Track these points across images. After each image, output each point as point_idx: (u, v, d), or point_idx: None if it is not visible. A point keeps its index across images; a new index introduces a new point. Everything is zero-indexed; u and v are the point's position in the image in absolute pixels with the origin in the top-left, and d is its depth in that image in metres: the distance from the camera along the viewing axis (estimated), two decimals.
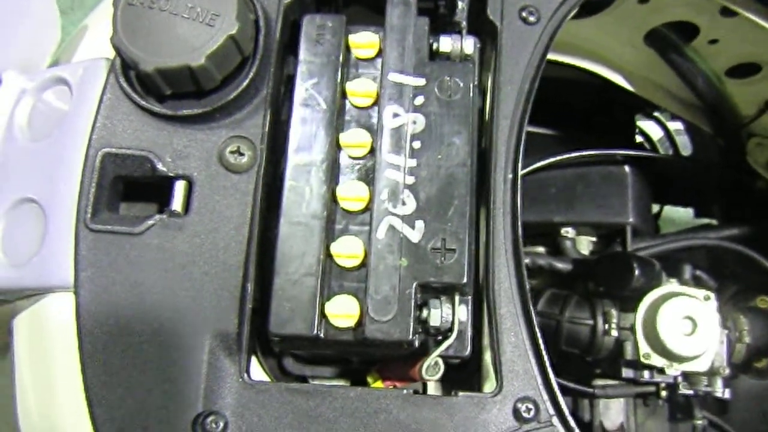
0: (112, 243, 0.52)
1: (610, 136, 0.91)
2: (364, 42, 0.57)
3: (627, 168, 0.87)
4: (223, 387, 0.50)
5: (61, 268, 0.52)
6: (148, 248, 0.52)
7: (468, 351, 0.54)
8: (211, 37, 0.52)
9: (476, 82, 0.57)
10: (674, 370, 0.73)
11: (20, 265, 0.54)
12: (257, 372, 0.57)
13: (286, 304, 0.49)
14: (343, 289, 0.51)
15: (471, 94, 0.55)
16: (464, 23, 0.60)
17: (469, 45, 0.58)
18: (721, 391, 0.75)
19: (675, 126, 1.10)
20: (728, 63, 0.79)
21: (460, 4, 0.60)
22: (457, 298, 0.52)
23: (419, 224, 0.51)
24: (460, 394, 0.50)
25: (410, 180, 0.52)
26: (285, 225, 0.51)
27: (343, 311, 0.50)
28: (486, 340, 0.54)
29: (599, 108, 0.94)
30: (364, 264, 0.51)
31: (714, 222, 0.99)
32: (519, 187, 0.55)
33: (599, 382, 0.79)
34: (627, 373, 0.75)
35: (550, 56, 0.61)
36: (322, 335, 0.49)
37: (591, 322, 0.75)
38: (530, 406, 0.50)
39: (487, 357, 0.54)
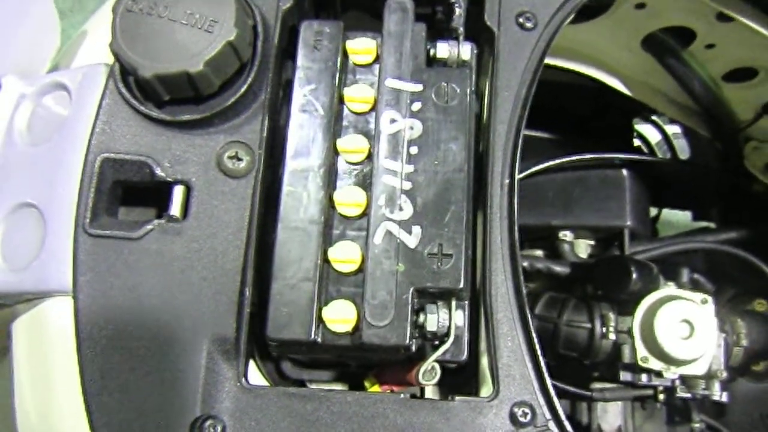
0: (110, 248, 0.53)
1: (608, 140, 0.91)
2: (361, 48, 0.57)
3: (625, 171, 0.87)
4: (221, 391, 0.50)
5: (59, 273, 0.52)
6: (147, 253, 0.53)
7: (465, 356, 0.54)
8: (209, 43, 0.52)
9: (473, 88, 0.57)
10: (672, 373, 0.73)
11: (19, 270, 0.54)
12: (255, 376, 0.57)
13: (283, 309, 0.50)
14: (341, 294, 0.51)
15: (468, 100, 0.55)
16: (461, 29, 0.60)
17: (466, 51, 0.58)
18: (718, 394, 0.75)
19: (673, 130, 1.11)
20: (725, 67, 0.79)
21: (457, 10, 0.60)
22: (453, 303, 0.52)
23: (416, 229, 0.52)
24: (457, 398, 0.50)
25: (407, 185, 0.53)
26: (283, 230, 0.52)
27: (340, 316, 0.50)
28: (483, 345, 0.54)
29: (597, 112, 0.94)
30: (361, 269, 0.51)
31: (712, 225, 1.00)
32: (516, 192, 0.56)
33: (597, 385, 0.79)
34: (625, 376, 0.75)
35: (548, 60, 0.61)
36: (319, 340, 0.50)
37: (589, 325, 0.75)
38: (527, 410, 0.50)
39: (484, 361, 0.54)
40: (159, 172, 0.54)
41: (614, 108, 0.94)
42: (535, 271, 0.84)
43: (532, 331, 0.52)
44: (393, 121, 0.55)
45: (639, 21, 0.75)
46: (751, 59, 0.76)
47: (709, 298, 0.74)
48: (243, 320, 0.51)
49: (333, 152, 0.54)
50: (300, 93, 0.55)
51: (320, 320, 0.50)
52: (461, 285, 0.50)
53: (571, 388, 0.78)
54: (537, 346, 0.51)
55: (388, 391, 0.59)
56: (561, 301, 0.78)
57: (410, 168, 0.53)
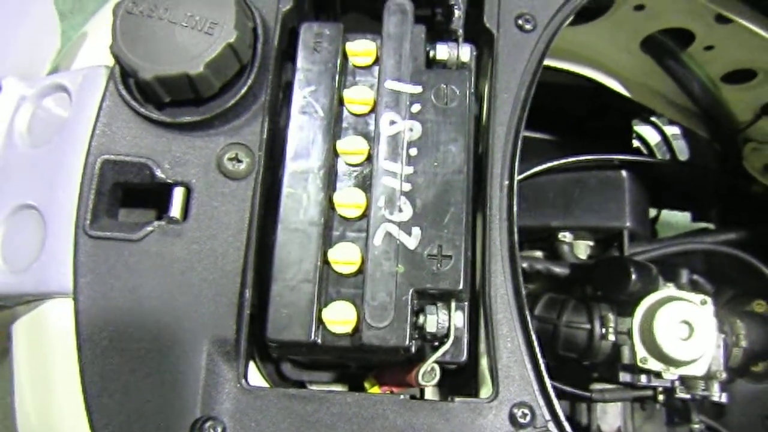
0: (111, 249, 0.53)
1: (607, 141, 0.92)
2: (361, 50, 0.57)
3: (624, 173, 0.87)
4: (221, 392, 0.50)
5: (60, 274, 0.53)
6: (147, 254, 0.53)
7: (464, 357, 0.54)
8: (209, 45, 0.52)
9: (472, 90, 0.57)
10: (671, 374, 0.73)
11: (20, 271, 0.54)
12: (255, 377, 0.57)
13: (283, 310, 0.50)
14: (341, 296, 0.51)
15: (467, 102, 0.56)
16: (461, 31, 0.60)
17: (465, 53, 0.58)
18: (718, 395, 0.75)
19: (672, 131, 1.11)
20: (724, 69, 0.79)
21: (456, 12, 0.60)
22: (453, 304, 0.52)
23: (416, 231, 0.52)
24: (457, 399, 0.50)
25: (407, 187, 0.53)
26: (282, 231, 0.52)
27: (340, 317, 0.50)
28: (482, 346, 0.54)
29: (596, 113, 0.94)
30: (361, 270, 0.51)
31: (711, 226, 1.00)
32: (515, 193, 0.56)
33: (596, 386, 0.79)
34: (624, 377, 0.75)
35: (547, 62, 0.62)
36: (319, 341, 0.50)
37: (588, 326, 0.75)
38: (526, 411, 0.50)
39: (484, 363, 0.54)
40: (159, 173, 0.54)
41: (613, 109, 0.94)
42: (534, 272, 0.84)
43: (532, 332, 0.52)
44: (392, 122, 0.55)
45: (638, 22, 0.76)
46: (749, 61, 0.77)
47: (709, 299, 0.74)
48: (243, 321, 0.51)
49: (333, 154, 0.54)
50: (300, 95, 0.55)
51: (320, 321, 0.50)
52: (461, 286, 0.50)
53: (571, 389, 0.78)
54: (536, 347, 0.52)
55: (388, 392, 0.59)
56: (560, 302, 0.79)
57: (410, 169, 0.53)
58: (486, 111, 0.60)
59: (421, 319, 0.51)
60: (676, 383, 0.74)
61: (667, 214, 1.12)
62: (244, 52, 0.55)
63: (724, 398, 0.76)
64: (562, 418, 0.50)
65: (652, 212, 1.01)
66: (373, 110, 0.56)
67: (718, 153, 0.97)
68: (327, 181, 0.53)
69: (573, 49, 0.81)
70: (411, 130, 0.54)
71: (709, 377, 0.75)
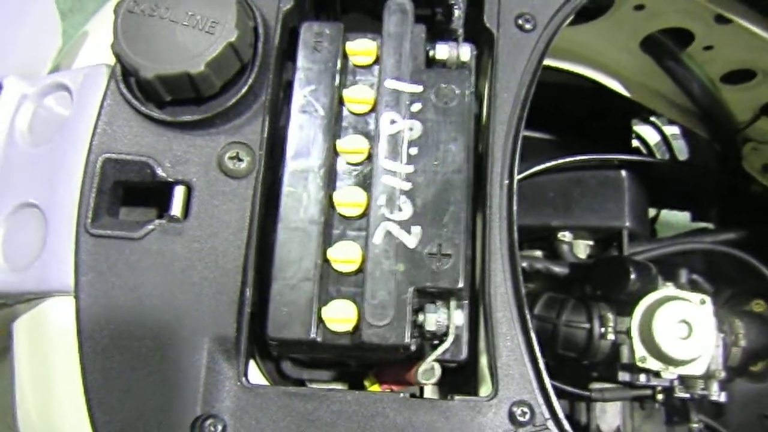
0: (112, 247, 0.53)
1: (607, 141, 0.92)
2: (361, 49, 0.57)
3: (623, 172, 0.88)
4: (221, 390, 0.50)
5: (61, 273, 0.53)
6: (148, 253, 0.53)
7: (464, 355, 0.55)
8: (210, 44, 0.52)
9: (472, 89, 0.57)
10: (670, 373, 0.73)
11: (21, 270, 0.54)
12: (255, 376, 0.57)
13: (283, 309, 0.50)
14: (341, 294, 0.52)
15: (467, 101, 0.56)
16: (461, 30, 0.60)
17: (465, 52, 0.59)
18: (717, 394, 0.76)
19: (671, 130, 1.11)
20: (723, 69, 0.79)
21: (456, 12, 0.60)
22: (453, 302, 0.52)
23: (416, 230, 0.52)
24: (456, 397, 0.51)
25: (407, 186, 0.53)
26: (283, 230, 0.52)
27: (340, 316, 0.50)
28: (482, 345, 0.55)
29: (596, 113, 0.94)
30: (361, 269, 0.51)
31: (710, 226, 1.00)
32: (515, 192, 0.56)
33: (596, 385, 0.79)
34: (623, 376, 0.76)
35: (547, 62, 0.62)
36: (319, 339, 0.50)
37: (587, 325, 0.75)
38: (525, 409, 0.50)
39: (483, 361, 0.54)
40: (160, 172, 0.55)
41: (613, 109, 0.94)
42: (534, 272, 0.84)
43: (531, 330, 0.52)
44: (393, 121, 0.55)
45: (638, 22, 0.76)
46: (749, 61, 0.77)
47: (708, 299, 0.75)
48: (243, 320, 0.51)
49: (333, 153, 0.55)
50: (300, 94, 0.56)
51: (320, 320, 0.50)
52: (460, 285, 0.51)
53: (570, 388, 0.78)
54: (536, 346, 0.52)
55: (388, 390, 0.59)
56: (560, 302, 0.79)
57: (410, 168, 0.54)
58: (486, 110, 0.60)
59: (421, 317, 0.51)
60: (675, 382, 0.75)
61: (666, 214, 1.12)
62: (245, 51, 0.55)
63: (723, 397, 0.76)
64: (561, 416, 0.51)
65: (652, 212, 1.01)
66: (373, 109, 0.56)
67: (718, 153, 0.97)
68: (327, 180, 0.53)
69: (573, 49, 0.81)
70: (411, 129, 0.55)
71: (708, 376, 0.75)
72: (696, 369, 0.73)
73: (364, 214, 0.53)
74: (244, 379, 0.51)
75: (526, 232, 0.88)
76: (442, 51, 0.59)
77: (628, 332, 0.74)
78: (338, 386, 0.63)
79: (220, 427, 0.49)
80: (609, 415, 0.82)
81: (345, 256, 0.52)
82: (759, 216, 0.89)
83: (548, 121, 0.89)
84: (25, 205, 0.56)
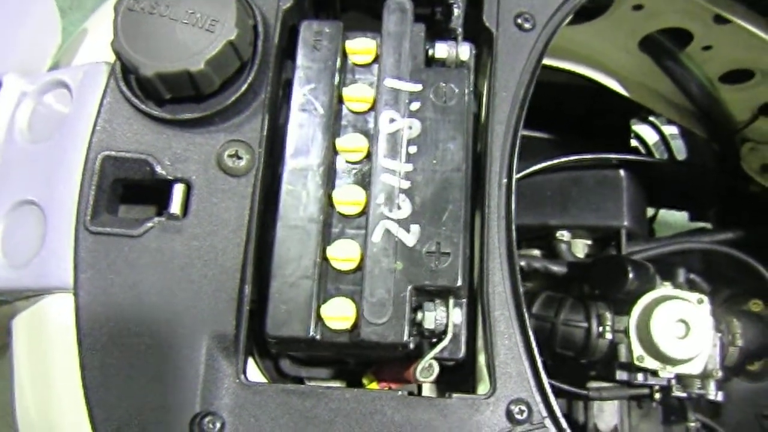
0: (111, 245, 0.53)
1: (606, 140, 0.92)
2: (360, 48, 0.58)
3: (622, 172, 0.88)
4: (220, 388, 0.50)
5: (60, 270, 0.53)
6: (147, 250, 0.53)
7: (462, 353, 0.55)
8: (210, 42, 0.52)
9: (471, 88, 0.57)
10: (668, 372, 0.73)
11: (20, 266, 0.54)
12: (254, 374, 0.57)
13: (282, 307, 0.50)
14: (339, 292, 0.52)
15: (466, 100, 0.56)
16: (460, 30, 0.61)
17: (464, 51, 0.59)
18: (714, 393, 0.76)
19: (670, 130, 1.11)
20: (722, 69, 0.80)
21: (456, 11, 0.60)
22: (451, 301, 0.53)
23: (414, 228, 0.52)
24: (454, 395, 0.51)
25: (406, 184, 0.53)
26: (282, 228, 0.52)
27: (339, 314, 0.50)
28: (480, 343, 0.55)
29: (595, 112, 0.95)
30: (359, 267, 0.52)
31: (708, 226, 1.00)
32: (513, 191, 0.56)
33: (593, 384, 0.80)
34: (621, 375, 0.76)
35: (546, 61, 0.62)
36: (318, 337, 0.50)
37: (585, 324, 0.76)
38: (523, 407, 0.50)
39: (481, 359, 0.55)
40: (159, 170, 0.55)
41: (612, 109, 0.94)
42: (532, 271, 0.84)
43: (529, 329, 0.52)
44: (392, 120, 0.55)
45: (636, 22, 0.76)
46: (747, 61, 0.77)
47: (705, 298, 0.75)
48: (242, 317, 0.51)
49: (332, 151, 0.55)
50: (300, 92, 0.56)
51: (319, 318, 0.50)
52: (459, 283, 0.51)
53: (568, 387, 0.78)
54: (534, 345, 0.52)
55: (386, 388, 0.59)
56: (558, 301, 0.79)
57: (409, 167, 0.54)
58: (485, 109, 0.60)
59: (420, 315, 0.52)
60: (673, 382, 0.75)
61: (664, 214, 1.13)
62: (245, 49, 0.55)
63: (720, 397, 0.76)
64: (559, 414, 0.51)
65: (650, 211, 1.01)
66: (372, 108, 0.56)
67: (716, 153, 0.97)
68: (326, 178, 0.53)
69: (572, 48, 0.81)
70: (410, 127, 0.55)
71: (705, 376, 0.75)
72: (693, 368, 0.73)
73: (363, 213, 0.53)
74: (242, 376, 0.51)
75: (524, 231, 0.88)
76: (442, 50, 0.59)
77: (625, 331, 0.74)
78: (337, 384, 0.63)
79: (218, 425, 0.49)
80: (606, 413, 0.82)
81: (344, 254, 0.52)
82: (757, 216, 0.89)
83: (547, 120, 0.89)
84: (25, 202, 0.56)
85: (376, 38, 0.58)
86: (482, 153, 0.58)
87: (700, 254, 0.88)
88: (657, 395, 0.76)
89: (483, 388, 0.54)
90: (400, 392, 0.51)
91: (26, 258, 0.54)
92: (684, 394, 0.75)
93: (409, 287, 0.50)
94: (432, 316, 0.51)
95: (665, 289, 0.76)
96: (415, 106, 0.56)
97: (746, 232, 0.87)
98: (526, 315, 0.53)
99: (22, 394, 0.55)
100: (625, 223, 0.86)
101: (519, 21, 0.61)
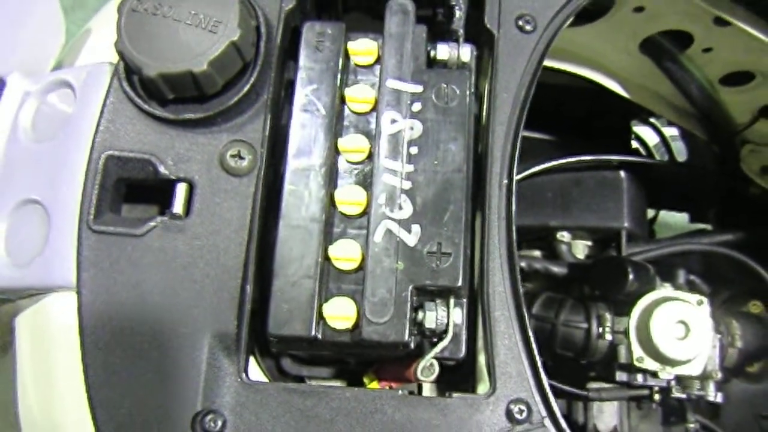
0: (114, 244, 0.53)
1: (606, 142, 0.92)
2: (363, 49, 0.58)
3: (622, 173, 0.88)
4: (222, 386, 0.51)
5: (63, 268, 0.53)
6: (150, 249, 0.53)
7: (462, 353, 0.55)
8: (213, 43, 0.53)
9: (473, 90, 0.58)
10: (667, 373, 0.74)
11: (23, 265, 0.54)
12: (255, 372, 0.58)
13: (284, 306, 0.50)
14: (341, 292, 0.52)
15: (467, 101, 0.56)
16: (461, 31, 0.61)
17: (465, 53, 0.59)
18: (713, 394, 0.76)
19: (671, 132, 1.11)
20: (722, 71, 0.80)
21: (457, 13, 0.61)
22: (452, 300, 0.53)
23: (416, 228, 0.52)
24: (454, 395, 0.51)
25: (407, 185, 0.53)
26: (284, 228, 0.52)
27: (340, 313, 0.50)
28: (480, 343, 0.55)
29: (595, 114, 0.95)
30: (361, 267, 0.52)
31: (708, 227, 1.00)
32: (514, 192, 0.56)
33: (593, 385, 0.80)
34: (621, 376, 0.76)
35: (547, 63, 0.62)
36: (319, 336, 0.50)
37: (585, 325, 0.76)
38: (522, 407, 0.51)
39: (481, 359, 0.55)
40: (162, 169, 0.55)
41: (612, 110, 0.94)
42: (533, 272, 0.85)
43: (529, 329, 0.53)
44: (393, 121, 0.55)
45: (637, 24, 0.76)
46: (747, 63, 0.77)
47: (705, 300, 0.75)
48: (244, 316, 0.52)
49: (334, 152, 0.55)
50: (302, 93, 0.56)
51: (320, 317, 0.51)
52: (459, 283, 0.51)
53: (568, 388, 0.79)
54: (533, 345, 0.52)
55: (387, 387, 0.59)
56: (558, 302, 0.79)
57: (410, 168, 0.54)
58: (486, 111, 0.61)
59: (420, 315, 0.52)
60: (672, 383, 0.75)
61: (665, 215, 1.13)
62: (247, 50, 0.55)
63: (719, 398, 0.76)
64: (558, 414, 0.51)
65: (650, 213, 1.01)
66: (374, 109, 0.57)
67: (716, 154, 0.97)
68: (328, 178, 0.54)
69: (573, 50, 0.81)
70: (411, 128, 0.55)
71: (704, 377, 0.75)
72: (693, 369, 0.73)
73: (365, 213, 0.54)
74: (244, 375, 0.51)
75: (525, 231, 0.88)
76: (443, 51, 0.59)
77: (625, 332, 0.74)
78: (337, 383, 0.63)
79: (220, 423, 0.49)
80: (606, 414, 0.82)
81: (345, 254, 0.52)
82: (757, 218, 0.89)
83: (548, 121, 0.90)
84: (28, 201, 0.56)
85: (378, 39, 0.58)
86: (483, 154, 0.58)
87: (700, 256, 0.88)
88: (656, 396, 0.76)
89: (483, 387, 0.54)
90: (400, 391, 0.51)
91: (30, 257, 0.54)
92: (683, 395, 0.76)
93: (410, 287, 0.51)
94: (433, 316, 0.52)
95: (665, 290, 0.77)
96: (417, 107, 0.56)
97: (746, 233, 0.87)
98: (526, 315, 0.53)
99: (24, 393, 0.55)
100: (626, 225, 0.86)
101: (520, 23, 0.61)
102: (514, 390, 0.51)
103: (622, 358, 0.74)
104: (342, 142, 0.55)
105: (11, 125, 0.60)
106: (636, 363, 0.73)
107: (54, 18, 0.69)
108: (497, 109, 0.58)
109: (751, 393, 0.85)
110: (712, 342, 0.75)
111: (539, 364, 0.52)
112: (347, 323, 0.51)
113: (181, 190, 0.55)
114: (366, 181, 0.55)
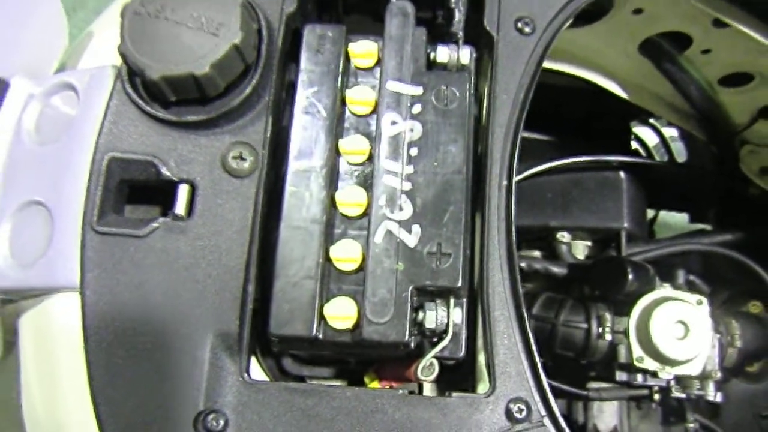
0: (117, 245, 0.54)
1: (606, 143, 0.92)
2: (363, 51, 0.58)
3: (622, 174, 0.88)
4: (224, 386, 0.51)
5: (67, 269, 0.53)
6: (152, 250, 0.54)
7: (462, 352, 0.55)
8: (215, 45, 0.53)
9: (472, 91, 0.58)
10: (667, 373, 0.74)
11: (27, 266, 0.55)
12: (257, 372, 0.58)
13: (285, 306, 0.51)
14: (342, 292, 0.52)
15: (467, 103, 0.57)
16: (461, 33, 0.61)
17: (465, 55, 0.59)
18: (712, 394, 0.76)
19: (670, 132, 1.12)
20: (721, 72, 0.80)
21: (457, 15, 0.61)
22: (452, 301, 0.53)
23: (416, 229, 0.53)
24: (454, 394, 0.51)
25: (407, 186, 0.54)
26: (285, 229, 0.53)
27: (341, 313, 0.51)
28: (480, 343, 0.55)
29: (595, 115, 0.95)
30: (362, 267, 0.52)
31: (708, 227, 1.01)
32: (514, 193, 0.57)
33: (593, 385, 0.80)
34: (620, 376, 0.76)
35: (546, 64, 0.62)
36: (320, 336, 0.51)
37: (585, 325, 0.76)
38: (522, 406, 0.51)
39: (481, 359, 0.55)
40: (165, 171, 0.55)
41: (612, 111, 0.95)
42: (532, 272, 0.85)
43: (529, 329, 0.53)
44: (393, 123, 0.56)
45: (636, 26, 0.76)
46: (746, 64, 0.77)
47: (704, 300, 0.75)
48: (246, 316, 0.52)
49: (335, 153, 0.55)
50: (303, 95, 0.57)
51: (321, 317, 0.51)
52: (459, 283, 0.51)
53: (568, 388, 0.79)
54: (533, 344, 0.52)
55: (387, 387, 0.60)
56: (558, 302, 0.79)
57: (410, 169, 0.54)
58: (485, 112, 0.61)
59: (421, 315, 0.52)
60: (672, 382, 0.75)
61: (664, 215, 1.13)
62: (249, 52, 0.56)
63: (718, 398, 0.77)
64: (558, 413, 0.51)
65: (650, 213, 1.02)
66: (374, 111, 0.57)
67: (715, 155, 0.98)
68: (329, 179, 0.54)
69: (572, 52, 0.82)
70: (412, 130, 0.55)
71: (704, 377, 0.76)
72: (692, 369, 0.73)
73: (365, 214, 0.54)
74: (245, 374, 0.52)
75: (525, 232, 0.88)
76: (443, 53, 0.59)
77: (625, 332, 0.75)
78: (338, 383, 0.64)
79: (222, 422, 0.50)
80: (606, 414, 0.83)
81: (346, 254, 0.52)
82: (756, 218, 0.89)
83: (547, 122, 0.90)
84: (32, 202, 0.56)
85: (379, 42, 0.59)
86: (483, 155, 0.59)
87: (700, 256, 0.89)
88: (656, 396, 0.76)
89: (483, 387, 0.54)
90: (400, 391, 0.52)
91: (33, 258, 0.55)
92: (683, 395, 0.76)
93: (411, 287, 0.51)
94: (433, 316, 0.52)
95: (665, 290, 0.77)
96: (417, 108, 0.56)
97: (745, 233, 0.87)
98: (526, 315, 0.53)
99: (28, 393, 0.55)
100: (625, 225, 0.86)
101: (519, 25, 0.61)
102: (514, 389, 0.51)
103: (622, 358, 0.75)
104: (343, 144, 0.56)
105: (15, 127, 0.60)
106: (636, 363, 0.74)
107: (57, 19, 0.70)
108: (497, 110, 0.59)
109: (750, 393, 0.85)
110: (711, 342, 0.75)
111: (539, 363, 0.52)
112: (348, 323, 0.51)
113: (183, 191, 0.55)
114: (366, 183, 0.55)
